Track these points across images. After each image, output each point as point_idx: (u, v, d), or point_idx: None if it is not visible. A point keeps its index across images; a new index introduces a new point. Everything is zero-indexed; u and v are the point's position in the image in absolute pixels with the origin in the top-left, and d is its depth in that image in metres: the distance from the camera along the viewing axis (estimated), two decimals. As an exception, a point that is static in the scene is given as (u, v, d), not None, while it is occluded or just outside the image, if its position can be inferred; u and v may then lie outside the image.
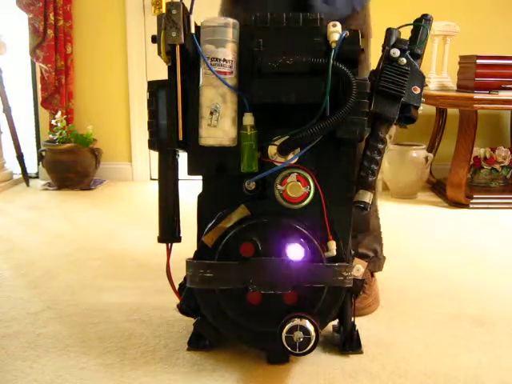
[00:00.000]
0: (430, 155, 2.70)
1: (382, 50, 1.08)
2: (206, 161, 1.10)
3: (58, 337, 1.25)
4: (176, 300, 1.18)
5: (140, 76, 3.01)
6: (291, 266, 1.05)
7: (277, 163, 1.05)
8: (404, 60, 1.05)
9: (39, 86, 3.01)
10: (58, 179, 2.89)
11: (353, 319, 1.16)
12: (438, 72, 2.79)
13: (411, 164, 2.66)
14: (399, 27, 1.09)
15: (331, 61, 0.98)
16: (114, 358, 1.15)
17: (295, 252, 1.05)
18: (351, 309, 1.16)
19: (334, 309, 1.11)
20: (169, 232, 1.12)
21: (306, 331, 1.02)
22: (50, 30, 2.87)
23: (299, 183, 1.07)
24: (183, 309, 1.17)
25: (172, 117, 1.05)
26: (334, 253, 1.07)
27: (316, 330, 1.03)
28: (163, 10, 0.99)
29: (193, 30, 1.01)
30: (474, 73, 2.50)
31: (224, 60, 1.01)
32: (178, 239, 1.14)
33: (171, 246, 1.14)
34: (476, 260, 1.82)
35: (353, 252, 1.15)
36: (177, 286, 1.18)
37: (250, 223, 1.07)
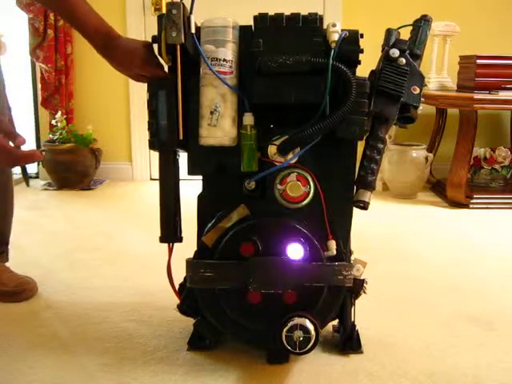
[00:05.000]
0: (430, 155, 2.70)
1: (382, 51, 1.08)
2: (206, 161, 1.10)
3: (57, 337, 1.25)
4: (176, 300, 1.18)
5: (140, 76, 3.01)
6: (291, 266, 1.05)
7: (277, 163, 1.05)
8: (403, 60, 1.05)
9: (39, 85, 3.01)
10: (57, 179, 2.89)
11: (353, 319, 1.16)
12: (438, 72, 2.79)
13: (411, 164, 2.66)
14: (399, 28, 1.09)
15: (331, 61, 0.98)
16: (113, 358, 1.15)
17: (295, 252, 1.05)
18: (351, 309, 1.16)
19: (334, 308, 1.11)
20: (170, 232, 1.12)
21: (305, 330, 1.02)
22: (50, 30, 2.87)
23: (299, 183, 1.07)
24: (183, 309, 1.17)
25: (172, 117, 1.05)
26: (334, 252, 1.07)
27: (316, 330, 1.03)
28: (163, 11, 0.99)
29: (193, 30, 1.01)
30: (474, 73, 2.50)
31: (224, 60, 1.01)
32: (180, 239, 1.14)
33: (173, 245, 1.14)
34: (476, 260, 1.82)
35: None
36: (177, 286, 1.18)
37: (250, 223, 1.07)
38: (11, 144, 0.90)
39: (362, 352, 1.17)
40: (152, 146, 1.08)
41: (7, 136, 0.89)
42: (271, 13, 1.04)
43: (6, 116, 1.46)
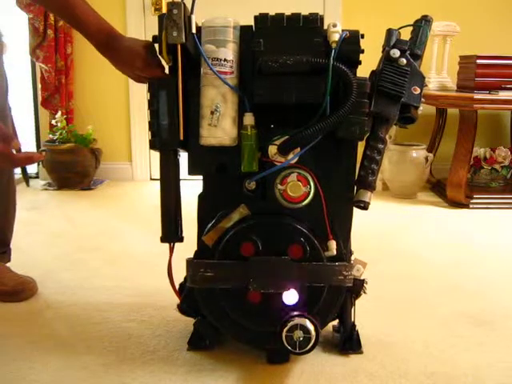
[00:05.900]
0: (430, 155, 2.70)
1: (382, 51, 1.08)
2: (207, 160, 1.10)
3: (58, 337, 1.25)
4: (176, 300, 1.18)
5: (140, 76, 3.00)
6: (291, 266, 1.05)
7: (277, 163, 1.05)
8: (404, 60, 1.05)
9: (39, 85, 3.01)
10: (58, 179, 2.89)
11: (353, 319, 1.16)
12: (438, 72, 2.79)
13: (411, 164, 2.66)
14: (399, 28, 1.09)
15: (331, 61, 0.98)
16: (113, 358, 1.15)
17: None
18: (351, 309, 1.16)
19: (334, 308, 1.11)
20: (171, 231, 1.12)
21: (306, 330, 1.02)
22: (50, 30, 2.87)
23: (299, 183, 1.07)
24: (183, 309, 1.17)
25: (173, 117, 1.05)
26: (334, 252, 1.07)
27: (316, 330, 1.03)
28: (163, 11, 0.99)
29: (194, 30, 1.01)
30: (474, 73, 2.50)
31: (225, 60, 1.01)
32: (181, 239, 1.14)
33: (173, 245, 1.14)
34: (476, 260, 1.82)
35: None
36: (177, 286, 1.18)
37: (250, 223, 1.07)
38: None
39: (361, 352, 1.17)
40: (153, 145, 1.08)
41: (4, 139, 0.89)
42: (272, 13, 1.04)
43: (8, 116, 1.46)
